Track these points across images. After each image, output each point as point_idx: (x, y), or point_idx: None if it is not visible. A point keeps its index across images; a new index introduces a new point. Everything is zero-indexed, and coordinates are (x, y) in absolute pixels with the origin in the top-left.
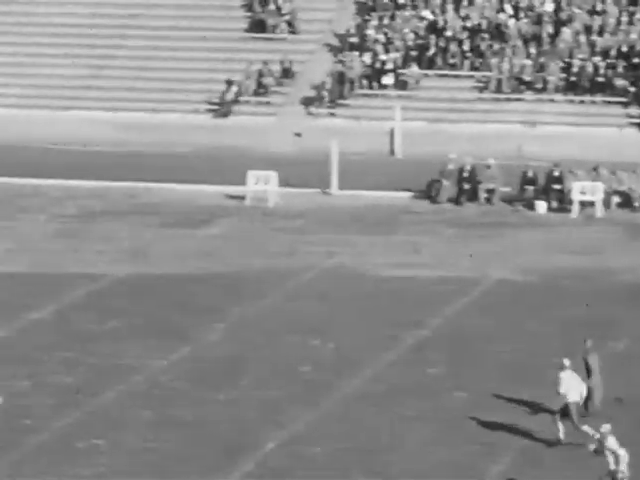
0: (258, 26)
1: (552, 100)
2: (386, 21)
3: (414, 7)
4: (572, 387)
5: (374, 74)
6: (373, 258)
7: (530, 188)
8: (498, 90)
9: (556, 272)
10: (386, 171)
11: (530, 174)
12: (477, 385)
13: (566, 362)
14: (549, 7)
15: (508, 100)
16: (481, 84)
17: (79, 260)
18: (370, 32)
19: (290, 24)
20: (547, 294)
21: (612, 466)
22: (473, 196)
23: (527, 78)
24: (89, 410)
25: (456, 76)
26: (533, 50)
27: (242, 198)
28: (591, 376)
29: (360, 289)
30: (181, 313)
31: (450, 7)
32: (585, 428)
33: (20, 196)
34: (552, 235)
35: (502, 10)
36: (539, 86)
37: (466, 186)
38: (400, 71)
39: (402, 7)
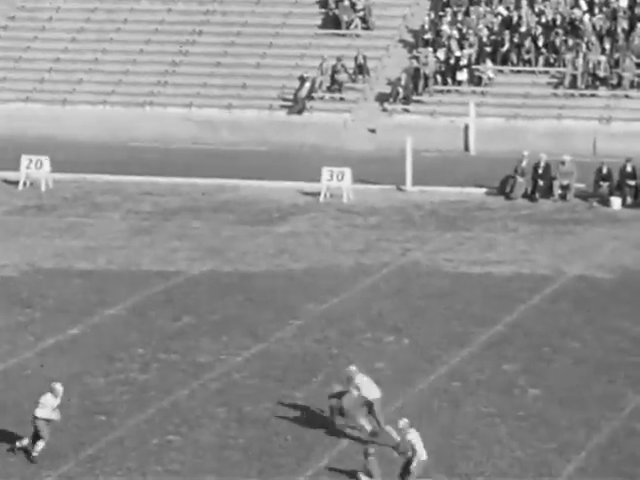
0: (332, 22)
1: (627, 96)
2: (460, 17)
3: (488, 3)
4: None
5: (448, 70)
6: (448, 254)
7: (605, 184)
8: (573, 86)
9: (633, 268)
10: (460, 168)
11: (604, 170)
12: (551, 382)
13: (352, 368)
14: (624, 3)
15: (583, 96)
16: (555, 80)
17: (155, 257)
18: (444, 28)
19: (364, 20)
20: (625, 291)
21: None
22: (548, 192)
23: (602, 74)
24: (163, 407)
25: (530, 72)
26: (608, 46)
27: (317, 195)
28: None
29: (435, 286)
30: (256, 310)
31: (524, 3)
32: (388, 428)
33: (100, 193)
34: (628, 231)
35: (577, 6)
36: (614, 82)
37: (540, 182)
38: (474, 67)
39: (476, 3)
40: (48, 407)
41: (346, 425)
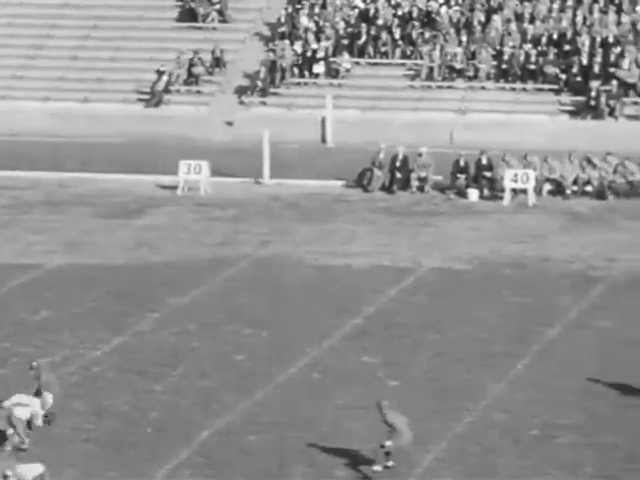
0: (189, 15)
1: (483, 88)
2: (317, 10)
3: None
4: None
5: (305, 63)
6: (307, 247)
7: (462, 176)
8: (429, 78)
9: (490, 260)
10: (318, 160)
11: (461, 162)
12: (411, 374)
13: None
14: None
15: (439, 88)
16: (412, 72)
17: (13, 251)
18: (301, 21)
19: (221, 13)
20: (483, 282)
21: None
22: (405, 184)
23: (458, 66)
24: None
25: (387, 64)
26: (464, 38)
27: (174, 188)
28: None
29: (294, 278)
30: (115, 303)
31: None
32: None
33: None
34: (485, 223)
35: None
36: (470, 74)
37: (398, 174)
38: (331, 59)
39: None
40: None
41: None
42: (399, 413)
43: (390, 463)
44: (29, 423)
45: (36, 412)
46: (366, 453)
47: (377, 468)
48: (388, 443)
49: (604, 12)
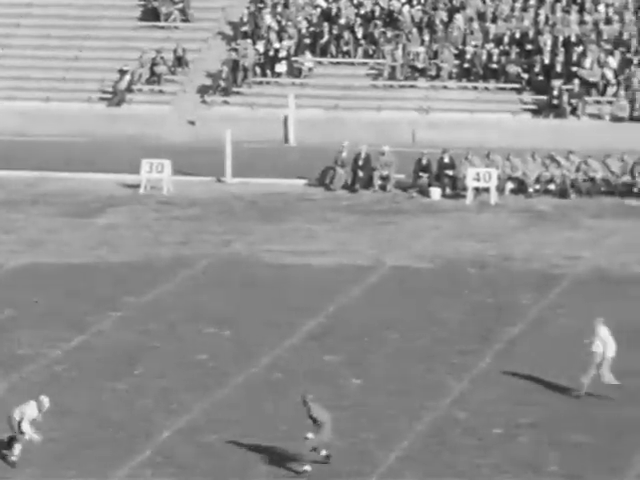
0: (151, 15)
1: (446, 87)
2: (279, 9)
3: None
4: None
5: (268, 62)
6: (269, 246)
7: (424, 175)
8: (392, 77)
9: (453, 258)
10: (281, 159)
11: (424, 161)
12: (373, 372)
13: None
14: None
15: (402, 87)
16: (375, 71)
17: None
18: (263, 20)
19: (183, 12)
20: (444, 281)
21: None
22: (367, 183)
23: (421, 65)
24: None
25: (350, 64)
26: (426, 37)
27: (136, 187)
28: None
29: (256, 277)
30: (77, 302)
31: None
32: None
33: None
34: (447, 221)
35: None
36: (433, 73)
37: (360, 173)
38: (294, 59)
39: None
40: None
41: None
42: (324, 408)
43: (324, 452)
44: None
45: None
46: (329, 452)
47: (307, 468)
48: (310, 435)
49: (566, 11)
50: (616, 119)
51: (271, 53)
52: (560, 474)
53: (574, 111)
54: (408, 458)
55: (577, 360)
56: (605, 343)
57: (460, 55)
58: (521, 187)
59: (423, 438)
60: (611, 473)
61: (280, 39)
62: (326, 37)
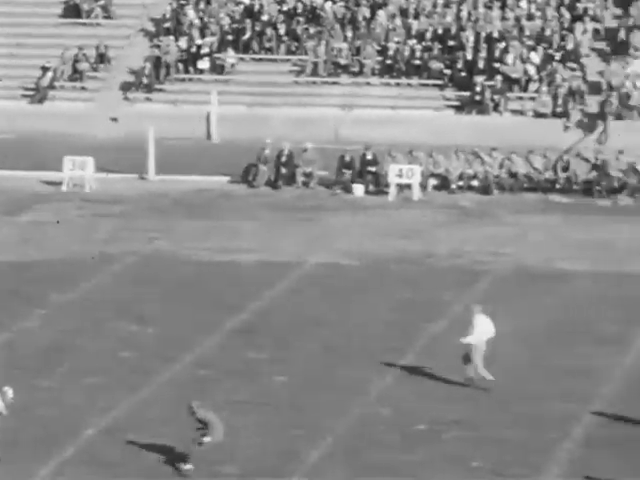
0: (73, 11)
1: (368, 83)
2: (202, 5)
3: None
4: None
5: (190, 59)
6: (192, 243)
7: (347, 171)
8: (314, 74)
9: (376, 255)
10: (204, 156)
11: (347, 158)
12: (298, 369)
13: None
14: None
15: (325, 84)
16: (298, 68)
17: None
18: (186, 16)
19: (105, 9)
20: (369, 277)
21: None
22: (290, 180)
23: (343, 62)
24: None
25: (272, 60)
26: (349, 33)
27: (59, 184)
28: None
29: (180, 274)
30: (1, 300)
31: None
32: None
33: None
34: (371, 218)
35: None
36: (356, 69)
37: (283, 170)
38: (216, 55)
39: None
40: None
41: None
42: (210, 410)
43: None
44: None
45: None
46: (253, 450)
47: (189, 467)
48: (207, 439)
49: (488, 7)
50: (539, 115)
51: (194, 50)
52: (484, 470)
53: (496, 107)
54: (332, 455)
55: (499, 355)
56: (481, 332)
57: (383, 51)
58: (444, 183)
59: (347, 435)
60: (534, 468)
61: (203, 35)
62: (249, 34)
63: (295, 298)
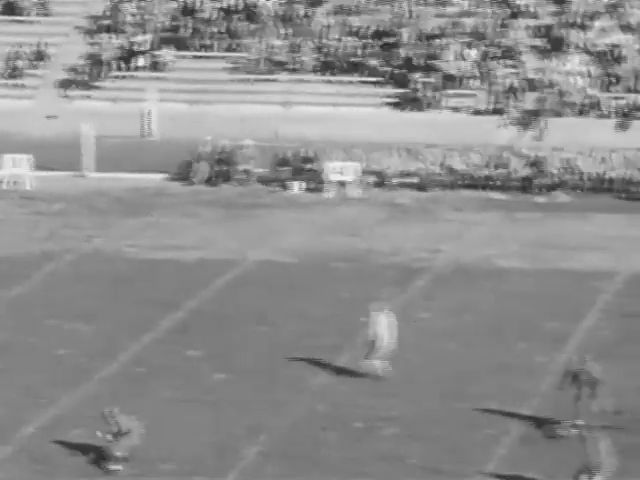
0: (10, 8)
1: (307, 81)
2: (140, 3)
3: None
4: None
5: (128, 56)
6: (131, 240)
7: (285, 169)
8: (252, 71)
9: (315, 252)
10: (142, 153)
11: (284, 155)
12: (237, 366)
13: None
14: None
15: (263, 81)
16: (236, 65)
17: None
18: (124, 14)
19: (43, 6)
20: (308, 274)
21: None
22: (229, 177)
23: (281, 59)
24: None
25: (210, 57)
26: (287, 31)
27: None
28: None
29: (119, 272)
30: None
31: None
32: None
33: None
34: (309, 215)
35: None
36: (293, 67)
37: (222, 167)
38: (154, 53)
39: None
40: None
41: None
42: (124, 415)
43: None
44: None
45: None
46: (191, 448)
47: (117, 467)
48: (124, 444)
49: (426, 4)
50: (476, 112)
51: (132, 47)
52: (420, 467)
53: (435, 104)
54: (271, 452)
55: (437, 353)
56: (379, 330)
57: (321, 49)
58: (382, 181)
59: (286, 432)
60: (469, 465)
61: (141, 33)
62: (187, 31)
63: (234, 295)
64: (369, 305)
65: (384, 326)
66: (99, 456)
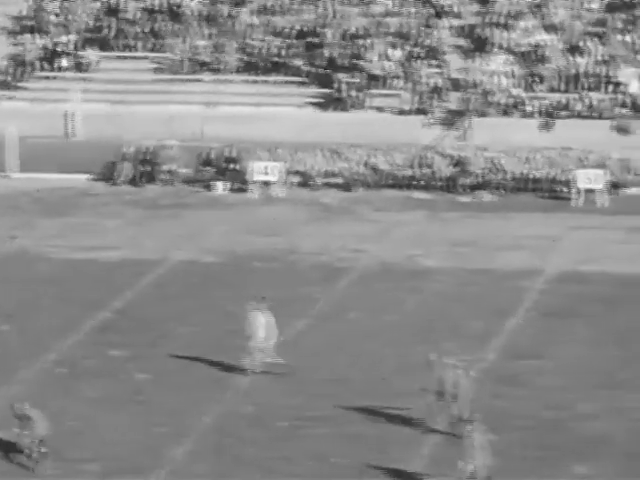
0: None
1: (230, 81)
2: (63, 3)
3: None
4: None
5: (51, 56)
6: (54, 241)
7: (209, 169)
8: (176, 71)
9: (239, 252)
10: (65, 154)
11: (208, 155)
12: (160, 367)
13: None
14: None
15: (186, 81)
16: (159, 65)
17: None
18: (47, 14)
19: None
20: (232, 274)
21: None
22: (153, 178)
23: (205, 59)
24: None
25: (134, 58)
26: (210, 31)
27: None
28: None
29: (42, 272)
30: None
31: None
32: None
33: None
34: (234, 216)
35: None
36: (217, 67)
37: (146, 168)
38: (78, 53)
39: None
40: None
41: None
42: (30, 407)
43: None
44: None
45: None
46: (115, 447)
47: (44, 466)
48: (30, 433)
49: (350, 4)
50: (400, 112)
51: (55, 47)
52: (345, 465)
53: (359, 104)
54: (196, 452)
55: (362, 352)
56: (255, 329)
57: (244, 49)
58: (307, 181)
59: (211, 432)
60: (394, 463)
61: (64, 33)
62: (110, 31)
63: (157, 295)
64: (246, 305)
65: (261, 325)
66: (10, 449)
